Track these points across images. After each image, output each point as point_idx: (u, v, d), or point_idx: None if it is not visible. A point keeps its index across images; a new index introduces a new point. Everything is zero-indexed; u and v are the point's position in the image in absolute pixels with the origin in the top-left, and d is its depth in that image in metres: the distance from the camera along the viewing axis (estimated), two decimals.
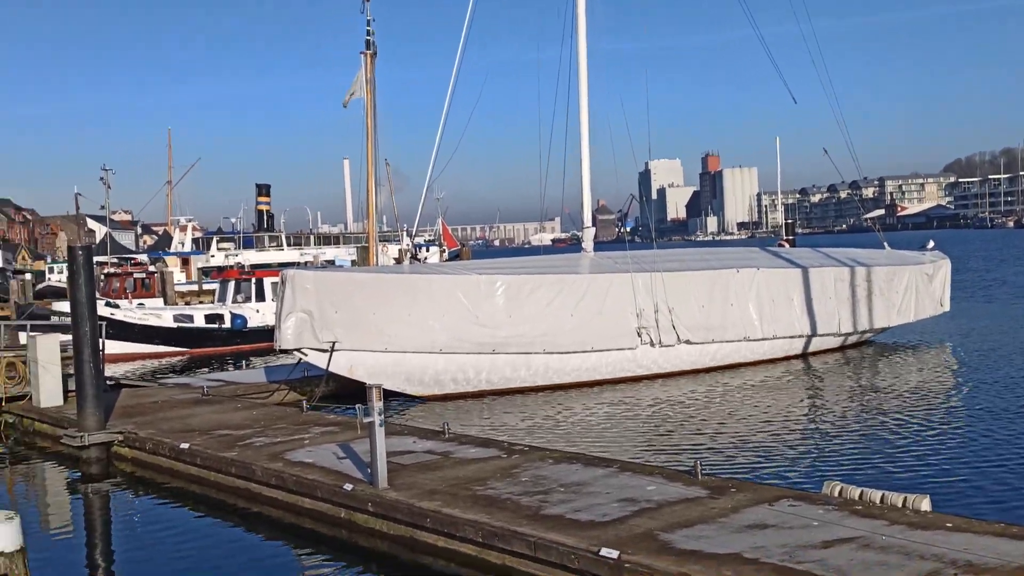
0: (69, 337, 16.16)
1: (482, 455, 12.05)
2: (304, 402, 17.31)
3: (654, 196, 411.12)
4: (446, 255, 76.20)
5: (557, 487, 10.21)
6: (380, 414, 10.32)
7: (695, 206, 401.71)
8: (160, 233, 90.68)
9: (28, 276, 56.75)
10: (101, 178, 57.19)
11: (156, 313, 33.37)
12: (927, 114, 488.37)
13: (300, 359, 19.55)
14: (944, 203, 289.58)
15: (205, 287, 52.02)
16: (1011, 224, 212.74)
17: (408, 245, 41.39)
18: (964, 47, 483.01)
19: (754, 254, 26.11)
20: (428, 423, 15.78)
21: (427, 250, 72.67)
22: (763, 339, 22.70)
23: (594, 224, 24.70)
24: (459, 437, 13.38)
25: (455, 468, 11.39)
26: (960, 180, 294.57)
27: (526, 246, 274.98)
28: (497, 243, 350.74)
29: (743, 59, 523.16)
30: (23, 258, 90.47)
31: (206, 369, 27.56)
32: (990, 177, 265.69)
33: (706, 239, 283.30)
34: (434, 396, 19.69)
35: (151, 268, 49.77)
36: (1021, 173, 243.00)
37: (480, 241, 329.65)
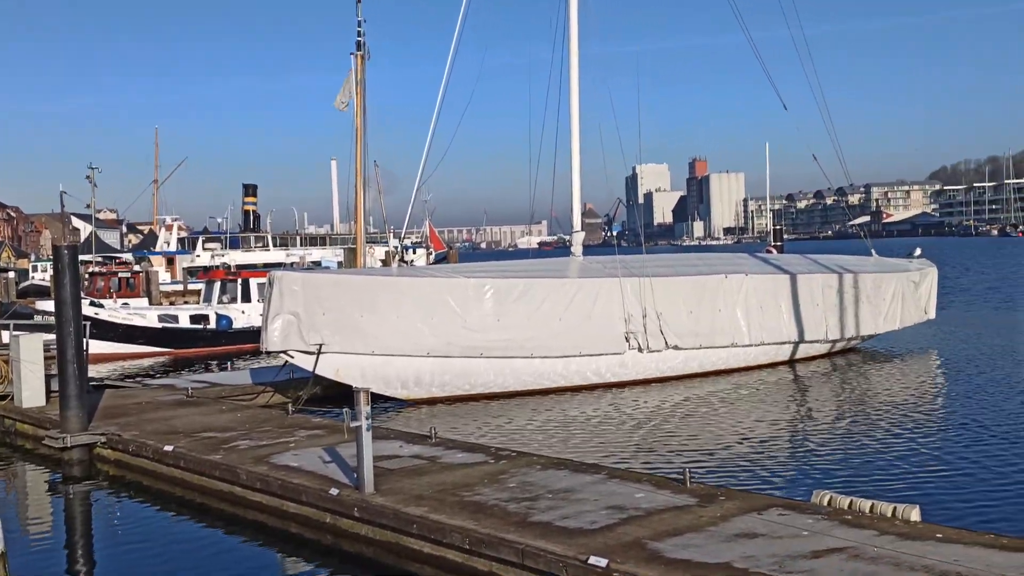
0: (52, 337, 16.00)
1: (469, 460, 11.97)
2: (290, 405, 17.18)
3: (641, 200, 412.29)
4: (433, 257, 76.15)
5: (545, 494, 10.13)
6: (367, 418, 10.23)
7: (682, 211, 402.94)
8: (146, 232, 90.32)
9: (11, 274, 56.37)
10: (87, 176, 57.00)
11: (141, 313, 33.15)
12: (914, 121, 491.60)
13: (286, 361, 19.42)
14: (929, 210, 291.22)
15: (190, 287, 51.79)
16: (995, 232, 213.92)
17: (395, 247, 41.31)
18: (952, 55, 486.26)
19: (742, 260, 26.08)
20: (415, 427, 15.69)
21: (414, 252, 72.58)
22: (751, 345, 22.68)
23: (582, 228, 24.64)
24: (446, 442, 13.29)
25: (442, 473, 11.30)
26: (945, 188, 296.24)
27: (512, 249, 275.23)
28: (484, 246, 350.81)
29: (733, 64, 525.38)
30: (7, 256, 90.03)
31: (191, 370, 27.37)
32: (975, 185, 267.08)
33: (692, 244, 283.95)
34: (421, 400, 19.59)
35: (136, 267, 49.54)
36: (1006, 182, 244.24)
37: (467, 243, 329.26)
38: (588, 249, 24.26)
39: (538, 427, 17.23)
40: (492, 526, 9.01)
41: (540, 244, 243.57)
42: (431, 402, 19.54)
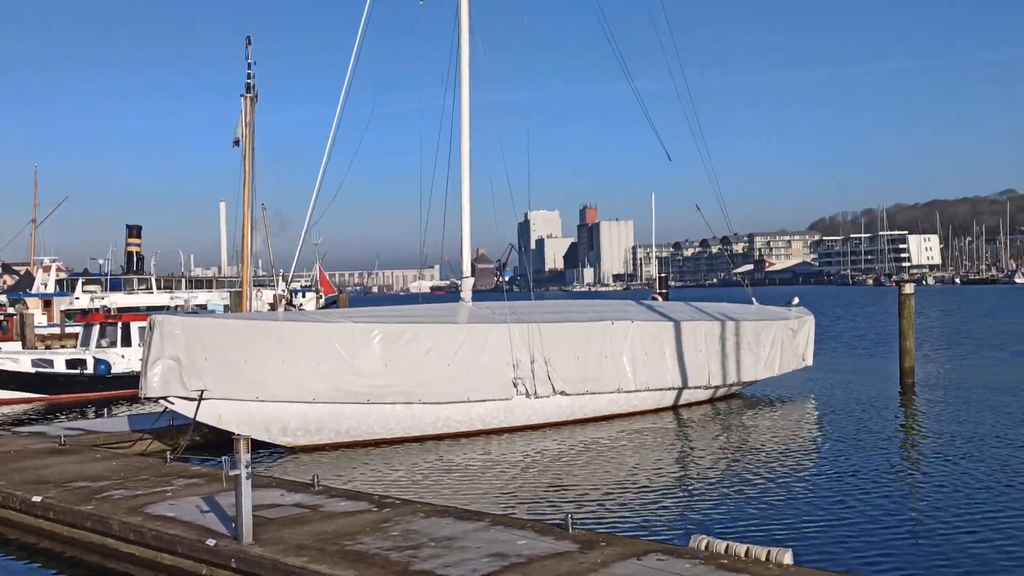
0: None
1: (352, 508, 11.83)
2: (168, 453, 16.71)
3: (533, 246, 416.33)
4: (323, 301, 75.24)
5: (428, 541, 10.08)
6: (247, 466, 10.03)
7: (573, 257, 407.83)
8: (22, 273, 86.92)
9: None
10: None
11: (13, 357, 31.82)
12: (796, 173, 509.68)
13: (166, 408, 18.90)
14: (809, 260, 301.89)
15: (68, 330, 49.97)
16: (870, 282, 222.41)
17: (283, 291, 40.73)
18: (833, 111, 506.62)
19: (629, 307, 26.57)
20: (298, 475, 15.41)
21: (303, 296, 71.61)
22: (636, 391, 23.05)
23: (473, 273, 24.77)
24: (329, 490, 13.11)
25: (324, 522, 11.13)
26: (824, 238, 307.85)
27: (404, 293, 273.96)
28: (376, 290, 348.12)
29: (622, 114, 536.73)
30: None
31: (66, 417, 26.36)
32: (851, 236, 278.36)
33: (583, 290, 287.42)
34: (307, 447, 19.28)
35: (9, 310, 47.64)
36: (880, 233, 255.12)
37: (358, 287, 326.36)
38: (480, 294, 24.40)
39: (424, 474, 17.13)
40: (373, 575, 8.91)
41: (432, 288, 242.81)
42: (316, 449, 19.25)
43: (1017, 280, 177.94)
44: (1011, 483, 15.03)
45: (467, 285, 24.14)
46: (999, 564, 10.95)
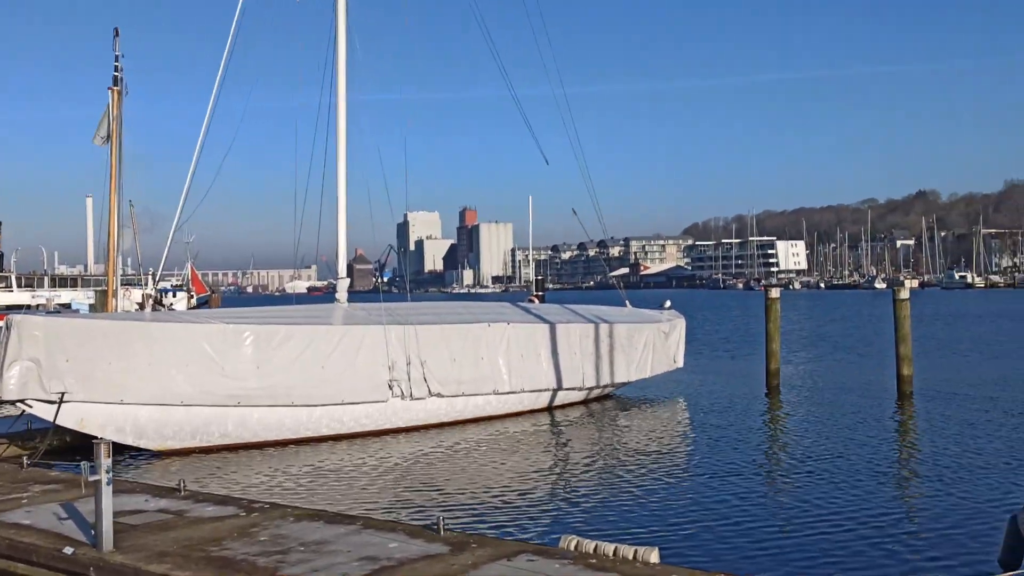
0: None
1: (220, 513, 11.55)
2: (25, 458, 16.01)
3: (412, 247, 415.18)
4: (194, 301, 73.35)
5: (297, 546, 9.93)
6: (108, 471, 9.69)
7: (452, 259, 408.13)
8: None
9: None
10: None
11: None
12: (670, 180, 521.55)
13: (23, 411, 18.13)
14: (683, 264, 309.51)
15: None
16: (740, 286, 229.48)
17: (151, 290, 39.56)
18: (704, 119, 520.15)
19: (505, 309, 26.76)
20: (165, 480, 14.99)
21: (173, 295, 69.67)
22: (512, 392, 23.21)
23: (351, 274, 24.55)
24: (196, 495, 12.78)
25: (189, 528, 10.84)
26: (697, 243, 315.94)
27: (278, 294, 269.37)
28: (251, 290, 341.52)
29: (502, 118, 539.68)
30: None
31: None
32: (723, 241, 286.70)
33: (462, 292, 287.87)
34: (175, 451, 18.76)
35: None
36: (750, 239, 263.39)
37: (233, 287, 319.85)
38: (358, 295, 24.21)
39: (296, 477, 16.88)
40: None
41: (309, 289, 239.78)
42: (185, 454, 18.75)
43: (877, 285, 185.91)
44: (863, 479, 15.70)
45: (342, 286, 23.90)
46: (861, 557, 11.41)
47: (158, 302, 32.13)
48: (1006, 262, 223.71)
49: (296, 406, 19.80)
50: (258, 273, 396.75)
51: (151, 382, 18.31)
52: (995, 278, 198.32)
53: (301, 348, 19.96)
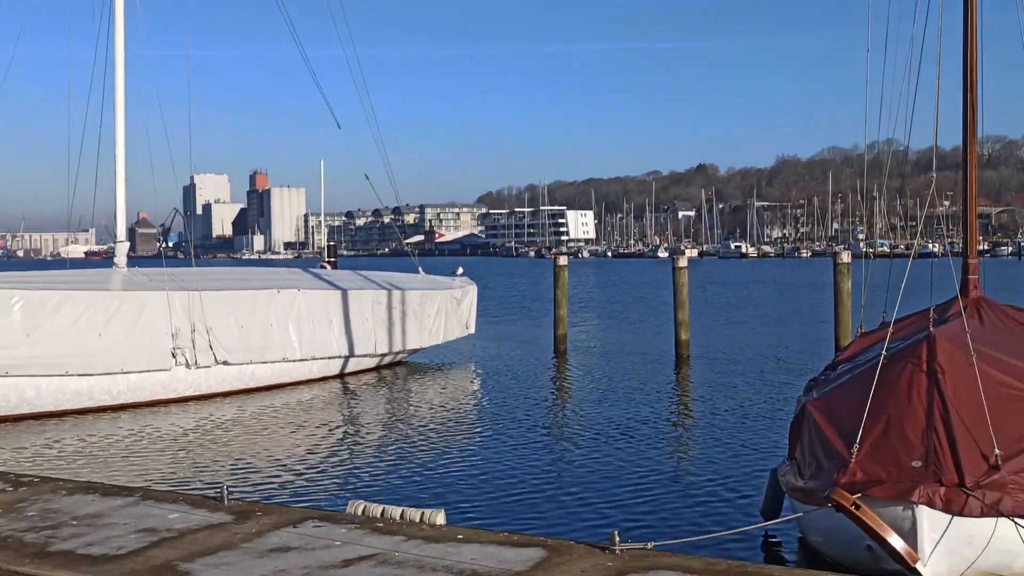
0: None
1: None
2: None
3: (200, 212, 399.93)
4: None
5: (69, 520, 9.51)
6: None
7: (242, 223, 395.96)
8: None
9: None
10: None
11: None
12: (465, 148, 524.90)
13: None
14: (477, 232, 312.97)
15: None
16: (532, 254, 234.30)
17: None
18: (496, 88, 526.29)
19: (296, 275, 26.31)
20: None
21: None
22: (302, 360, 22.92)
23: (132, 238, 23.54)
24: None
25: None
26: (491, 211, 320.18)
27: (52, 258, 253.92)
28: (21, 254, 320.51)
29: (293, 78, 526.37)
30: None
31: None
32: (516, 210, 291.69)
33: (253, 257, 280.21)
34: None
35: None
36: (541, 208, 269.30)
37: (1, 251, 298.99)
38: (141, 260, 23.28)
39: (72, 450, 16.11)
40: (4, 560, 8.28)
41: (87, 253, 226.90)
42: None
43: (660, 254, 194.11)
44: (641, 438, 16.51)
45: (121, 250, 22.86)
46: (637, 511, 12.01)
47: None
48: (776, 233, 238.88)
49: (71, 375, 18.84)
50: (30, 236, 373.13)
51: None
52: (767, 248, 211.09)
53: (76, 315, 18.97)
